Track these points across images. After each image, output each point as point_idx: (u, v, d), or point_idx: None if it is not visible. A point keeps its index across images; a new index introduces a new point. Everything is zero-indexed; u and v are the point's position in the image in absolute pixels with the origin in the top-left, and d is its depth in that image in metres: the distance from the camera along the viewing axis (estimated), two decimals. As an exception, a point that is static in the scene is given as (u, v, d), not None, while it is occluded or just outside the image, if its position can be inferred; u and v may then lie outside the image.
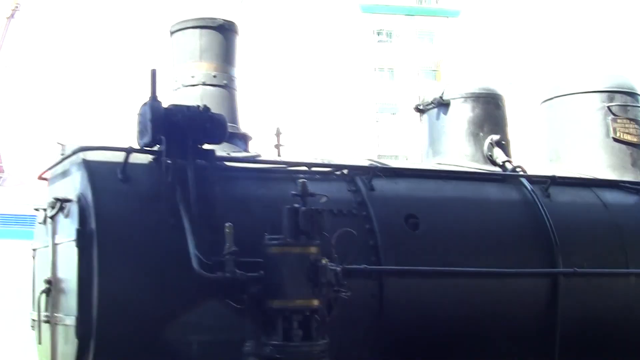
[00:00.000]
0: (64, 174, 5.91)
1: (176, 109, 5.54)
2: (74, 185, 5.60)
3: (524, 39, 59.39)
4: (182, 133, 5.48)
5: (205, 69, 6.30)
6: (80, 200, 5.38)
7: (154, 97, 5.49)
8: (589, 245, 6.78)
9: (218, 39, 6.37)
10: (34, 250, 6.50)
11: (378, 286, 5.80)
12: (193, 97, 6.19)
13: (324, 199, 5.42)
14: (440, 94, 7.26)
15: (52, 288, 5.81)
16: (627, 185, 7.38)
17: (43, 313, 5.93)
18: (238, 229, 5.13)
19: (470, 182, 6.72)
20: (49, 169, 6.24)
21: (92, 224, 5.24)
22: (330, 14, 55.03)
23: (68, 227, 5.55)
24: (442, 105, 7.25)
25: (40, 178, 6.57)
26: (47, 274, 5.92)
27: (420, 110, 7.48)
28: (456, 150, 7.21)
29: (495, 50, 57.26)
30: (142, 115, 5.54)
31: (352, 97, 51.23)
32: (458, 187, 6.57)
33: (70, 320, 5.34)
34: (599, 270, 6.64)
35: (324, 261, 5.14)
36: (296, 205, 5.27)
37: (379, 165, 6.43)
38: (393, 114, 54.06)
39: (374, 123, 52.97)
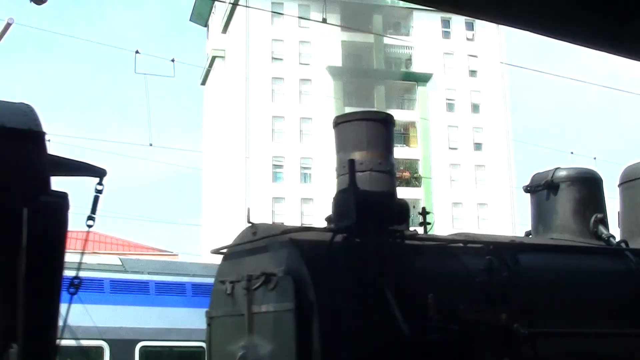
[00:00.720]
0: (261, 250, 6.78)
1: (372, 195, 6.54)
2: (280, 261, 6.48)
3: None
4: (378, 216, 6.47)
5: (371, 157, 7.30)
6: (293, 274, 6.27)
7: (354, 185, 6.48)
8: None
9: (381, 130, 7.41)
10: (211, 318, 7.31)
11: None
12: (362, 182, 7.16)
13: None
14: (550, 178, 8.40)
15: (249, 352, 6.64)
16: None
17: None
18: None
19: (588, 255, 7.84)
20: (238, 245, 7.12)
21: (311, 296, 6.12)
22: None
23: (274, 298, 6.42)
24: (552, 187, 8.39)
25: (216, 252, 7.45)
26: (236, 340, 6.75)
27: (530, 191, 8.61)
28: (565, 227, 8.32)
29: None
30: (342, 200, 6.51)
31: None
32: (581, 259, 7.67)
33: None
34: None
35: (515, 325, 6.15)
36: (482, 278, 6.29)
37: (517, 241, 7.50)
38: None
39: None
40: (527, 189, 8.65)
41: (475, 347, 6.10)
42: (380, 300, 6.20)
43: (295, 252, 6.38)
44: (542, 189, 8.48)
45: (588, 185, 8.46)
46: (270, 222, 7.06)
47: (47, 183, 4.90)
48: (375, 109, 7.54)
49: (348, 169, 6.57)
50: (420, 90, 60.60)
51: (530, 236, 8.60)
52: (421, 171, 59.21)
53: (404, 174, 58.23)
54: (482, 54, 61.27)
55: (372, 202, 6.47)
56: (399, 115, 59.69)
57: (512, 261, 7.17)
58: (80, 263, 5.49)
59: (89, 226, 5.56)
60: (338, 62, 59.29)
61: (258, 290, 6.62)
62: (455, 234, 7.67)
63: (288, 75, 58.67)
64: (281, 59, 59.13)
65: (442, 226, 53.27)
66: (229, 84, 61.50)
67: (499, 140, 60.15)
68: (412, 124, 60.12)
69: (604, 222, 8.34)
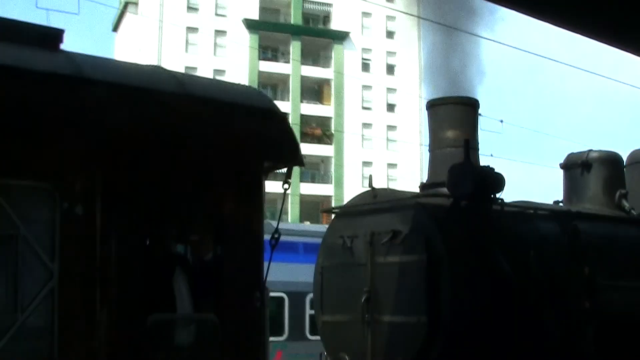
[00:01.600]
0: (384, 211, 8.24)
1: (482, 168, 8.15)
2: (406, 220, 7.98)
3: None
4: (487, 186, 8.10)
5: (462, 135, 8.87)
6: (423, 231, 7.81)
7: (469, 159, 8.07)
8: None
9: (470, 112, 9.00)
10: (323, 267, 8.75)
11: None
12: (456, 156, 8.73)
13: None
14: (585, 158, 10.23)
15: (372, 297, 8.17)
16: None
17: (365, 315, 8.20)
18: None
19: (622, 223, 9.76)
20: (358, 205, 8.57)
21: (440, 250, 7.69)
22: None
23: (402, 250, 7.94)
24: (586, 166, 10.23)
25: (326, 211, 8.89)
26: (356, 287, 8.25)
27: (566, 168, 10.44)
28: (595, 199, 10.18)
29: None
30: (458, 172, 8.07)
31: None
32: (619, 227, 9.58)
33: (414, 320, 7.74)
34: None
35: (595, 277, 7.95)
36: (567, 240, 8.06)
37: (574, 210, 9.30)
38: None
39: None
40: (564, 166, 10.48)
41: (564, 294, 7.87)
42: (490, 257, 7.86)
43: (424, 213, 7.93)
44: (578, 167, 10.32)
45: (615, 166, 10.36)
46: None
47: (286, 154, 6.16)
48: (465, 96, 9.07)
49: (464, 147, 8.15)
50: (336, 48, 62.03)
51: (562, 205, 10.40)
52: (333, 129, 60.89)
53: (316, 131, 59.94)
54: (400, 16, 63.17)
55: (482, 174, 8.09)
56: (314, 72, 61.38)
57: (574, 227, 8.94)
58: (278, 220, 6.78)
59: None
60: (255, 15, 60.15)
61: (382, 244, 8.13)
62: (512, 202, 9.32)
63: (203, 26, 58.83)
64: (196, 9, 59.20)
65: (352, 185, 55.63)
66: (142, 32, 61.09)
67: (412, 102, 62.49)
68: (327, 81, 61.58)
69: (625, 196, 10.26)
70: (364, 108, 61.89)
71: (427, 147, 9.38)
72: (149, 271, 5.27)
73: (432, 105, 9.09)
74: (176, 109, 5.43)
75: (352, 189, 45.48)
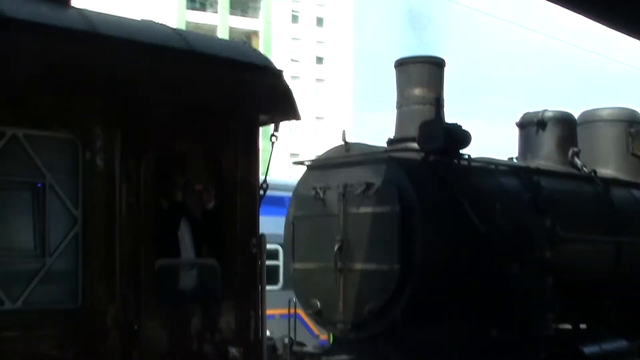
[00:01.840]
0: (356, 164, 8.60)
1: (451, 125, 8.58)
2: (378, 173, 8.37)
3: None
4: (456, 141, 8.55)
5: (429, 93, 9.29)
6: (395, 183, 8.21)
7: (439, 116, 8.50)
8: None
9: (437, 71, 9.40)
10: (296, 217, 9.09)
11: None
12: (423, 113, 9.14)
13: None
14: (540, 117, 10.77)
15: (344, 246, 8.57)
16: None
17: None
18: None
19: (574, 180, 10.40)
20: (331, 158, 8.90)
21: (413, 202, 8.12)
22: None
23: (375, 201, 8.33)
24: (541, 124, 10.78)
25: (299, 163, 9.24)
26: (331, 236, 8.62)
27: (522, 126, 10.98)
28: (549, 157, 10.75)
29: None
30: (429, 128, 8.48)
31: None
32: (572, 183, 10.23)
33: (387, 267, 8.18)
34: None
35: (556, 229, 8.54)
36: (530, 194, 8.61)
37: (533, 166, 9.85)
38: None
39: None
40: (519, 124, 11.02)
41: (528, 243, 8.42)
42: (459, 209, 8.34)
43: (396, 166, 8.34)
44: (533, 126, 10.86)
45: (568, 125, 10.94)
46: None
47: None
48: (433, 55, 9.50)
49: (434, 105, 8.58)
50: (265, -3, 61.75)
51: (516, 160, 10.95)
52: (261, 81, 60.66)
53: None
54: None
55: (451, 130, 8.52)
56: (243, 23, 60.97)
57: (537, 182, 9.48)
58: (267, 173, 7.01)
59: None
60: (182, -36, 59.24)
61: (356, 196, 8.51)
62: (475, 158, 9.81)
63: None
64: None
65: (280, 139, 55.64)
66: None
67: (341, 55, 62.86)
68: (256, 33, 61.33)
69: (578, 154, 10.88)
70: (292, 60, 61.83)
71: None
72: (159, 219, 5.55)
73: (401, 64, 9.46)
74: (184, 64, 5.68)
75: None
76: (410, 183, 8.24)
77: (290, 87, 6.44)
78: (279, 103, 6.34)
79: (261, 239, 6.04)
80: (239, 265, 5.94)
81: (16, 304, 4.70)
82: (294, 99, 6.40)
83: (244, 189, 6.06)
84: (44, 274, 4.83)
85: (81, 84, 5.08)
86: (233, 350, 5.87)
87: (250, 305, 5.94)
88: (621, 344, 9.47)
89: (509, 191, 9.04)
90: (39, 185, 4.86)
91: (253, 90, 6.23)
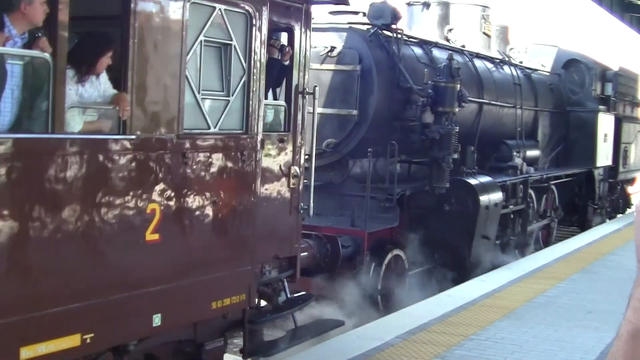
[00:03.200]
0: (322, 30, 11.01)
1: (389, 6, 11.27)
2: (342, 39, 10.92)
3: None
4: (396, 17, 11.29)
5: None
6: (357, 48, 10.83)
7: (389, -2, 11.14)
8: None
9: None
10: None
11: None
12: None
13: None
14: (426, -1, 13.70)
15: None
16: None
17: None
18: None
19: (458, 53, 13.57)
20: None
21: (370, 63, 10.80)
22: None
23: (337, 61, 10.90)
24: (426, 4, 13.73)
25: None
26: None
27: (409, 4, 13.84)
28: (430, 32, 13.78)
29: None
30: (378, 7, 11.09)
31: None
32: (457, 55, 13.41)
33: (346, 112, 10.89)
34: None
35: (463, 91, 11.70)
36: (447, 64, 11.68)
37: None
38: None
39: None
40: (407, 3, 13.89)
41: (442, 103, 11.52)
42: (399, 72, 11.19)
43: (357, 35, 10.97)
44: (419, 4, 13.77)
45: (444, 7, 14.10)
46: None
47: None
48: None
49: (383, -11, 11.18)
50: None
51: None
52: None
53: None
54: None
55: (392, 9, 11.23)
56: None
57: (450, 54, 12.46)
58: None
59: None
60: None
61: (320, 56, 11.00)
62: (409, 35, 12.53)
63: None
64: None
65: None
66: None
67: None
68: None
69: (451, 31, 14.01)
70: None
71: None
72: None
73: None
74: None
75: None
76: (368, 48, 10.93)
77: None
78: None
79: (315, 89, 8.47)
80: (297, 108, 8.37)
81: (215, 129, 6.89)
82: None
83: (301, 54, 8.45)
84: (228, 109, 7.04)
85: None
86: (295, 169, 8.35)
87: (301, 138, 8.39)
88: (488, 179, 13.06)
89: (432, 60, 12.02)
90: (228, 45, 6.98)
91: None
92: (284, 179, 7.97)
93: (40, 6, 5.12)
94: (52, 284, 5.35)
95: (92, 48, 5.96)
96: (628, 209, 22.37)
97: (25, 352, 5.24)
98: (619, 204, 21.81)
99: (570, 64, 18.46)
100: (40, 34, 5.33)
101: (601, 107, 18.67)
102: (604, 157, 18.87)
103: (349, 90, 10.91)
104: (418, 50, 12.22)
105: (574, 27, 61.50)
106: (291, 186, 8.10)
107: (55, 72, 5.24)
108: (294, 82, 8.34)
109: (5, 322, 5.10)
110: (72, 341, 5.57)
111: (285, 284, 8.17)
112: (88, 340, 5.65)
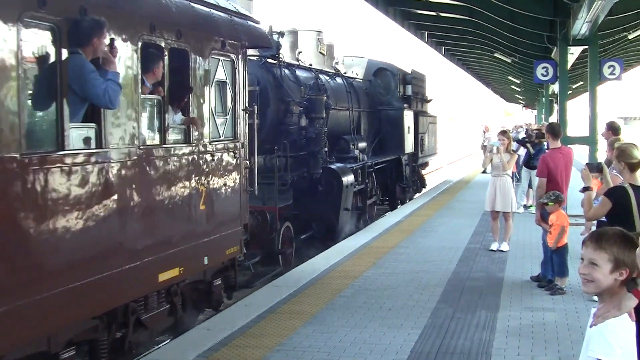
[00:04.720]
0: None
1: (275, 40, 15.62)
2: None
3: None
4: (277, 49, 15.64)
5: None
6: (254, 74, 15.04)
7: (271, 34, 15.48)
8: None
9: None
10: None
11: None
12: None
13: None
14: (280, 31, 18.03)
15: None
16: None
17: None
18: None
19: (305, 70, 18.09)
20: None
21: (267, 83, 15.06)
22: None
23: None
24: (281, 34, 18.09)
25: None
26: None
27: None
28: (286, 56, 18.16)
29: None
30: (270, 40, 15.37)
31: None
32: (302, 71, 17.96)
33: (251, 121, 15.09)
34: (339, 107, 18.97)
35: (329, 101, 16.26)
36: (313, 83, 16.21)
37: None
38: None
39: None
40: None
41: (314, 109, 16.02)
42: (284, 90, 15.54)
43: (254, 63, 15.09)
44: (277, 34, 18.10)
45: (295, 35, 18.54)
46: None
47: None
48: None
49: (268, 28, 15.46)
50: None
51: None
52: None
53: None
54: None
55: (277, 42, 15.55)
56: None
57: (317, 74, 16.88)
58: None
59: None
60: None
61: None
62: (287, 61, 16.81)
63: None
64: None
65: None
66: None
67: None
68: None
69: (300, 53, 18.52)
70: None
71: None
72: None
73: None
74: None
75: None
76: (264, 73, 15.22)
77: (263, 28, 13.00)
78: (257, 37, 12.90)
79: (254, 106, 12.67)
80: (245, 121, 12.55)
81: (222, 136, 10.86)
82: (267, 35, 13.04)
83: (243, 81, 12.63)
84: (227, 123, 11.04)
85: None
86: (246, 162, 12.47)
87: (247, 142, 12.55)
88: (343, 165, 17.70)
89: (297, 79, 16.50)
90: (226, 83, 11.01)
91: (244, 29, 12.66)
92: (242, 170, 11.95)
93: (159, 70, 9.00)
94: (168, 238, 9.10)
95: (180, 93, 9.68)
96: (424, 188, 27.98)
97: (161, 276, 9.06)
98: (417, 184, 27.34)
99: (378, 72, 23.50)
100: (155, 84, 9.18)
101: (405, 105, 23.94)
102: (409, 145, 24.22)
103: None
104: (287, 72, 16.64)
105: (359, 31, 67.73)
106: (244, 174, 12.16)
107: (163, 106, 9.13)
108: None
109: (149, 260, 8.85)
110: (176, 272, 9.41)
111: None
112: (182, 271, 9.48)
